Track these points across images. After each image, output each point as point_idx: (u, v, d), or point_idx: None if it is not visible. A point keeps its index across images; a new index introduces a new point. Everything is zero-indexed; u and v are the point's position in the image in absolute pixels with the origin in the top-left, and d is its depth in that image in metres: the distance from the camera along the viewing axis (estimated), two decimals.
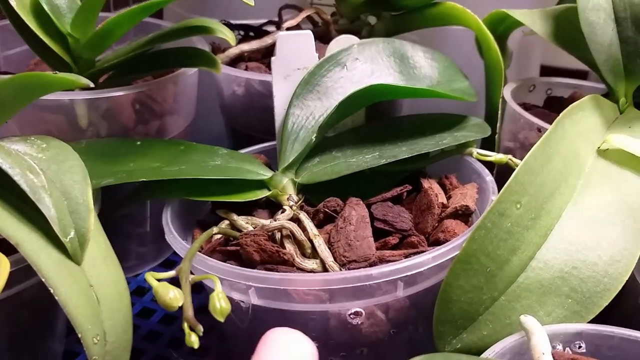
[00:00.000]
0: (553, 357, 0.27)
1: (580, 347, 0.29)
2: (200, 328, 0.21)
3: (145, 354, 0.42)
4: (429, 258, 0.29)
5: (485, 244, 0.30)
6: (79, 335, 0.27)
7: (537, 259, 0.31)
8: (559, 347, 0.29)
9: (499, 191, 0.31)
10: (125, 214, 0.48)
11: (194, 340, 0.21)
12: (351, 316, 0.30)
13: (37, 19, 0.40)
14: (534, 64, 0.70)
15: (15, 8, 0.39)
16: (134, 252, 0.50)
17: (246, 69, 0.50)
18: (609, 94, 0.43)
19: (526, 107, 0.49)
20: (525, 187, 0.31)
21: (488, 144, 0.43)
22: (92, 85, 0.30)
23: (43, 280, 0.26)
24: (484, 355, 0.27)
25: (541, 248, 0.31)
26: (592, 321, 0.30)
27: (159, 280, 0.23)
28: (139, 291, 0.49)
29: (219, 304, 0.22)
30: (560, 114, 0.36)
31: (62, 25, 0.41)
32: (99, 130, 0.44)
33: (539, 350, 0.27)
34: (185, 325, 0.21)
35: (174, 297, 0.22)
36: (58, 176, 0.29)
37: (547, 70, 0.69)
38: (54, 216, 0.28)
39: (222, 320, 0.22)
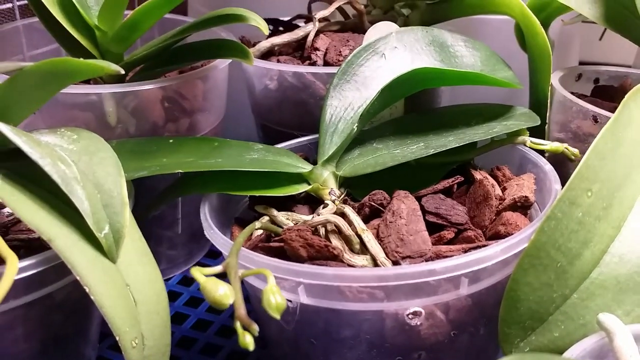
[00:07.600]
0: None
1: None
2: (256, 327, 0.19)
3: None
4: (497, 251, 0.27)
5: (556, 236, 0.27)
6: (117, 338, 0.25)
7: (611, 253, 0.28)
8: None
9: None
10: (156, 216, 0.46)
11: (249, 341, 0.19)
12: (409, 316, 0.27)
13: (64, 12, 0.39)
14: (573, 59, 0.67)
15: (44, 1, 0.38)
16: (165, 255, 0.49)
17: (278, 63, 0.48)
18: None
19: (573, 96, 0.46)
20: (596, 173, 0.29)
21: (536, 136, 0.41)
22: (122, 71, 0.28)
23: (77, 277, 0.24)
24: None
25: (614, 241, 0.29)
26: None
27: (206, 276, 0.21)
28: (171, 296, 0.47)
29: (274, 298, 0.19)
30: (625, 97, 0.33)
31: (89, 18, 0.40)
32: (128, 129, 0.42)
33: (624, 353, 0.24)
34: (238, 325, 0.19)
35: (224, 293, 0.20)
36: (90, 168, 0.27)
37: None
38: (88, 209, 0.26)
39: (278, 317, 0.19)
